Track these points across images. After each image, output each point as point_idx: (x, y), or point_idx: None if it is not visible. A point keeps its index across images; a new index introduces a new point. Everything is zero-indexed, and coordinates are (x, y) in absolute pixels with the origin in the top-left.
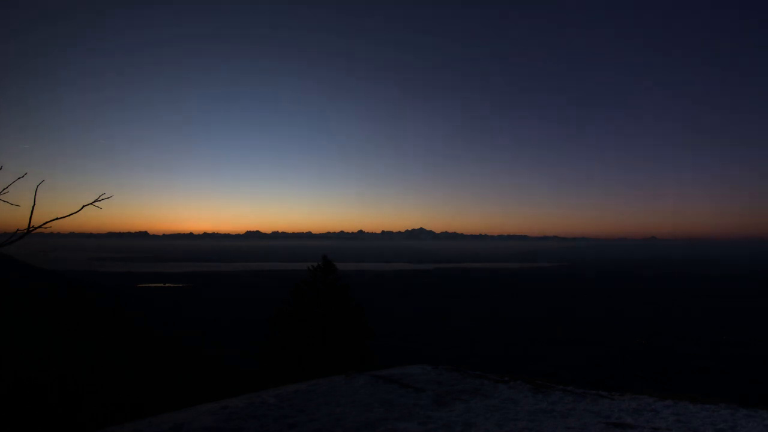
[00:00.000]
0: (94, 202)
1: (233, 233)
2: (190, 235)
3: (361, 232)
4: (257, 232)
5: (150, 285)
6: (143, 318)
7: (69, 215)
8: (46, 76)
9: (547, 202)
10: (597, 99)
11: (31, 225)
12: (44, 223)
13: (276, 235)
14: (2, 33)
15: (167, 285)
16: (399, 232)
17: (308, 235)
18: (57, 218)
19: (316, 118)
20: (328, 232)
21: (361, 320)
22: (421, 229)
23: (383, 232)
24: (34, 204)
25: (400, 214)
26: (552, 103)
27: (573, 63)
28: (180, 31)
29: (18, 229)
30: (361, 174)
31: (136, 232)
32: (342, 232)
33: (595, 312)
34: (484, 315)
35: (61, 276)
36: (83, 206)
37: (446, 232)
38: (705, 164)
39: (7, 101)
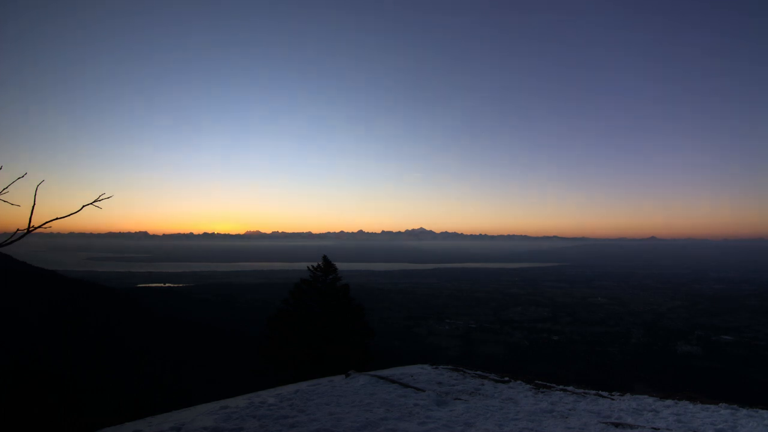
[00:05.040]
0: (94, 202)
1: (233, 233)
2: (190, 235)
3: (361, 232)
4: (257, 232)
5: (150, 285)
6: (142, 318)
7: (69, 215)
8: (46, 76)
9: (547, 202)
10: (597, 100)
11: (31, 225)
12: (44, 223)
13: (276, 235)
14: (3, 33)
15: (167, 285)
16: (399, 232)
17: (308, 235)
18: (57, 218)
19: (316, 119)
20: (328, 232)
21: (361, 320)
22: (421, 229)
23: (383, 232)
24: (34, 204)
25: (400, 214)
26: (552, 104)
27: (573, 64)
28: (182, 31)
29: (18, 229)
30: (361, 174)
31: (136, 232)
32: (342, 232)
33: (595, 312)
34: (484, 315)
35: (61, 276)
36: (83, 206)
37: (446, 232)
38: (705, 164)
39: (8, 101)
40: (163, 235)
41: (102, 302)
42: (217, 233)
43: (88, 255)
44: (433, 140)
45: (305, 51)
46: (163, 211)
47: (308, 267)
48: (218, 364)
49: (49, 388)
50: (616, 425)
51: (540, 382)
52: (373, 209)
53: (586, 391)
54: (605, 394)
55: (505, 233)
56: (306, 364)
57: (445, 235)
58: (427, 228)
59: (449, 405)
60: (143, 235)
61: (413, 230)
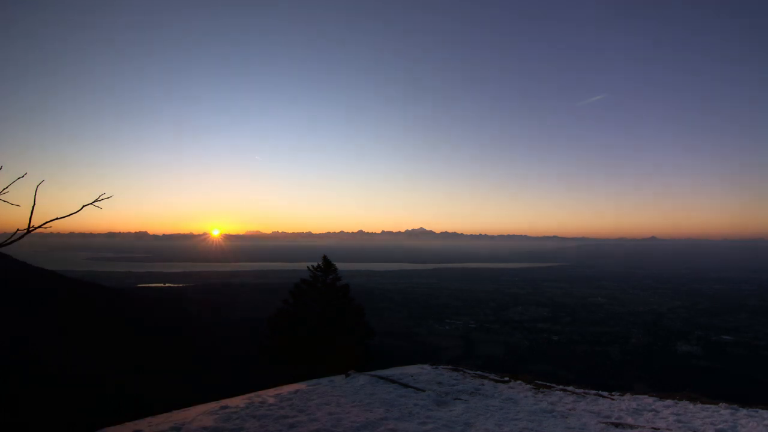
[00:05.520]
0: (94, 202)
1: (233, 233)
2: (190, 235)
3: (361, 232)
4: (257, 232)
5: (150, 285)
6: (143, 318)
7: (69, 215)
8: (47, 76)
9: (547, 202)
10: (597, 100)
11: (31, 225)
12: (44, 223)
13: (276, 235)
14: (4, 35)
15: (167, 285)
16: (399, 232)
17: (308, 235)
18: (57, 218)
19: (317, 119)
20: (328, 232)
21: (362, 320)
22: (421, 229)
23: (383, 232)
24: (34, 204)
25: (400, 214)
26: (552, 104)
27: (573, 64)
28: (181, 31)
29: (18, 229)
30: (361, 174)
31: (136, 232)
32: (342, 232)
33: (595, 312)
34: (484, 315)
35: (61, 276)
36: (83, 206)
37: (446, 232)
38: (705, 164)
39: (8, 101)
40: (163, 235)
41: (102, 301)
42: (217, 233)
43: (88, 255)
44: (433, 140)
45: (306, 50)
46: (163, 211)
47: (308, 267)
48: (218, 364)
49: (49, 389)
50: (616, 425)
51: (540, 382)
52: (373, 209)
53: (586, 391)
54: (605, 394)
55: (505, 233)
56: (306, 364)
57: (445, 235)
58: (427, 228)
59: (449, 405)
60: (143, 235)
61: (413, 230)
